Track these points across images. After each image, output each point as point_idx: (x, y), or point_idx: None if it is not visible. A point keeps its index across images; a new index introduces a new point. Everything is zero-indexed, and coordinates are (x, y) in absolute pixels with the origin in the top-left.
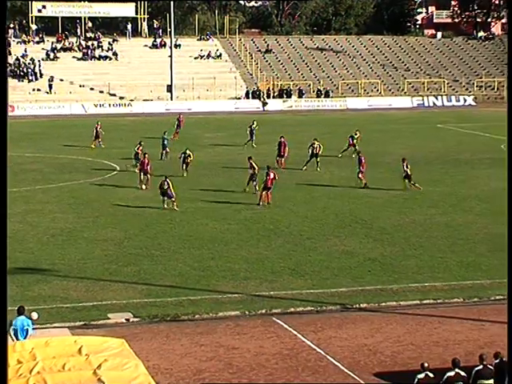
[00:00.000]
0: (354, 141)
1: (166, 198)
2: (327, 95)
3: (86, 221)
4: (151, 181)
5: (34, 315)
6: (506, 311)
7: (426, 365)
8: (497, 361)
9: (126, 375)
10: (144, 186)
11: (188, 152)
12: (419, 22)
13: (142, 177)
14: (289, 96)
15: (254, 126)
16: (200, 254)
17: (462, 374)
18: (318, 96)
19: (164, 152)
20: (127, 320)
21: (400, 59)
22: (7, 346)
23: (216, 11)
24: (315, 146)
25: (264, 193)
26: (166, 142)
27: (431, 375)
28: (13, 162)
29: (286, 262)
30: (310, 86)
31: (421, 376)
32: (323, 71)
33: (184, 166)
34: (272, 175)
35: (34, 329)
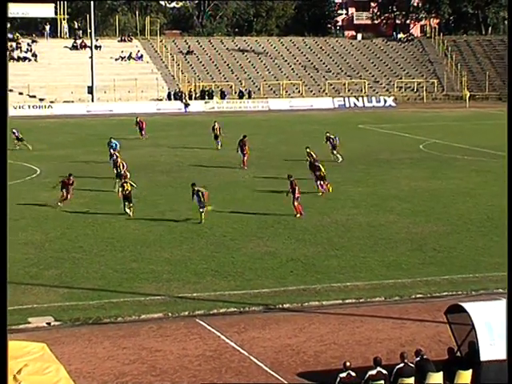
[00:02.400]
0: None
1: (126, 203)
2: (249, 96)
3: (11, 223)
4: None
5: None
6: (506, 311)
7: (348, 364)
8: (417, 358)
9: (47, 380)
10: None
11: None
12: (340, 24)
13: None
14: (211, 97)
15: (216, 126)
16: (122, 257)
17: (384, 372)
18: (240, 97)
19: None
20: (48, 324)
21: (321, 60)
22: (7, 346)
23: (137, 12)
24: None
25: (296, 203)
26: (115, 146)
27: (353, 374)
28: None
29: (209, 264)
30: (231, 87)
31: (343, 375)
32: (245, 72)
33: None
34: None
35: None
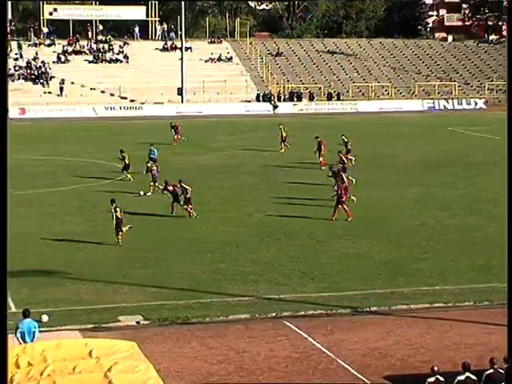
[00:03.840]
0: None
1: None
2: (338, 98)
3: (97, 224)
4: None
5: (45, 318)
6: (507, 313)
7: (436, 368)
8: (507, 365)
9: (137, 378)
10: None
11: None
12: (430, 25)
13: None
14: (299, 99)
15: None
16: (211, 258)
17: (473, 377)
18: (329, 99)
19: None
20: (138, 323)
21: (411, 62)
22: (7, 346)
23: (227, 14)
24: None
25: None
26: (153, 155)
27: (441, 379)
28: (23, 164)
29: (297, 265)
30: (320, 89)
31: (431, 380)
32: (334, 74)
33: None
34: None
35: (43, 331)
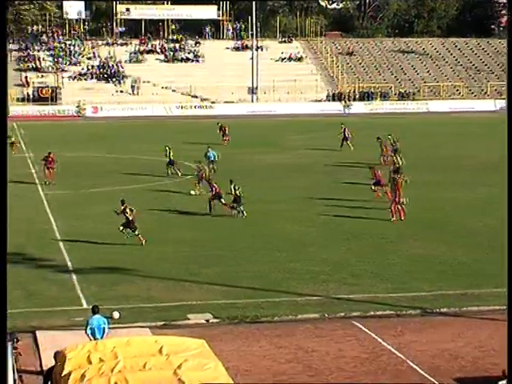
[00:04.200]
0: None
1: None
2: (409, 98)
3: (167, 222)
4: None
5: (116, 314)
6: (507, 314)
7: (507, 371)
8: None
9: (206, 376)
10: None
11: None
12: (503, 25)
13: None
14: (371, 99)
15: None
16: (280, 256)
17: None
18: (400, 99)
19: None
20: (207, 321)
21: (483, 62)
22: (7, 346)
23: (298, 13)
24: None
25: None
26: (212, 157)
27: None
28: (95, 163)
29: (366, 265)
30: (391, 88)
31: (502, 383)
32: (405, 74)
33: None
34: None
35: (113, 328)
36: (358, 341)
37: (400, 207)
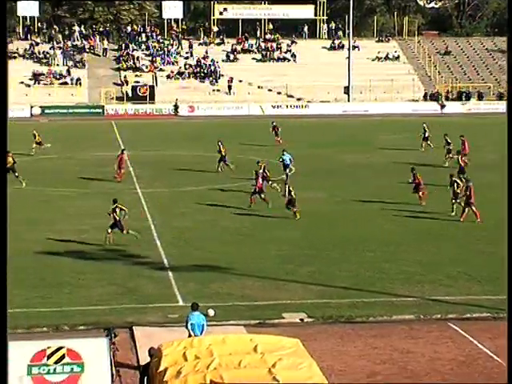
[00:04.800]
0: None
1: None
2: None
3: (262, 220)
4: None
5: (211, 312)
6: (507, 318)
7: None
8: None
9: (301, 375)
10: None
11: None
12: None
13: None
14: (468, 99)
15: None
16: (374, 256)
17: None
18: (499, 99)
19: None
20: (301, 320)
21: None
22: (7, 346)
23: (395, 13)
24: None
25: (467, 209)
26: (287, 160)
27: None
28: (191, 161)
29: (461, 267)
30: (489, 88)
31: None
32: (504, 74)
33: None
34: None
35: (209, 325)
36: (454, 343)
37: (474, 209)
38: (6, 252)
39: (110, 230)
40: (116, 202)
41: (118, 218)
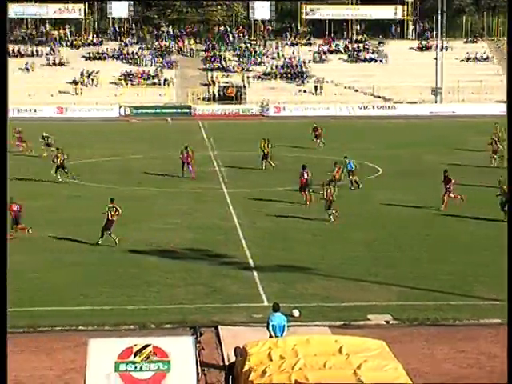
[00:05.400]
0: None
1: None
2: None
3: (344, 221)
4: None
5: (296, 313)
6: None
7: None
8: None
9: (386, 377)
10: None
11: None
12: None
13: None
14: None
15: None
16: (456, 260)
17: None
18: None
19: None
20: (387, 322)
21: None
22: (7, 345)
23: (485, 13)
24: None
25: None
26: (350, 167)
27: None
28: (276, 161)
29: None
30: None
31: None
32: None
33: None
34: None
35: (294, 326)
36: None
37: None
38: (6, 252)
39: (104, 232)
40: (113, 201)
41: (110, 218)
